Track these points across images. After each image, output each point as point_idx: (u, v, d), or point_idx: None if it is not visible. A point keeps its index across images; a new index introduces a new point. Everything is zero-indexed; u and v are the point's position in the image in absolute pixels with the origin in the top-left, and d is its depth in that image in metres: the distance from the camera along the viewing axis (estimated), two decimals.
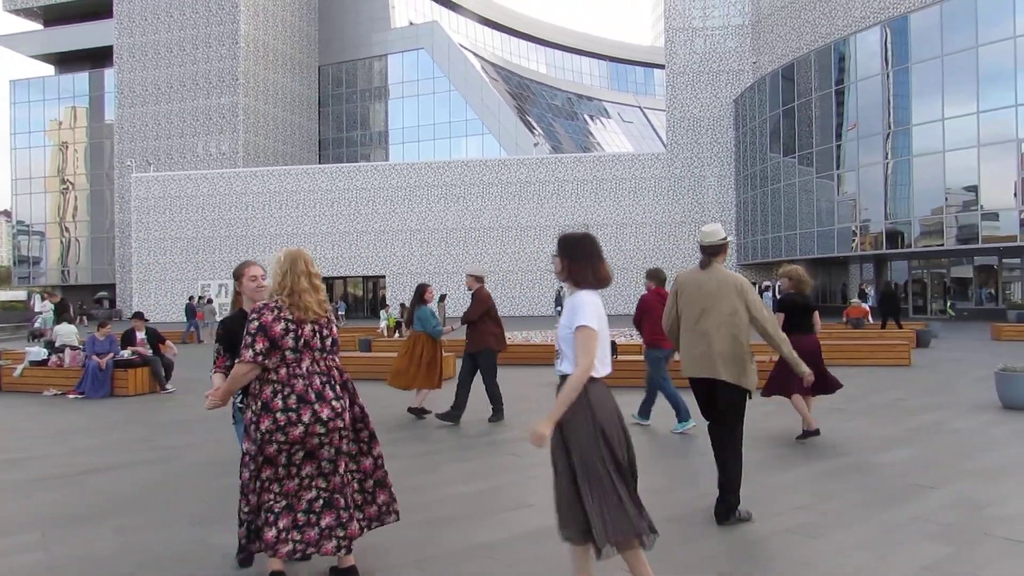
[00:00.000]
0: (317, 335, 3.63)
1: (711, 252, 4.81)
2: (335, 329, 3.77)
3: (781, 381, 7.00)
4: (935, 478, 5.52)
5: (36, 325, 24.49)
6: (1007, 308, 26.44)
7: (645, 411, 8.10)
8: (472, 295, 8.55)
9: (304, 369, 3.56)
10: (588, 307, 3.16)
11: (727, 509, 4.55)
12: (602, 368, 3.20)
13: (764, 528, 4.49)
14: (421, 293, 8.96)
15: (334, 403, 3.56)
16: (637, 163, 40.18)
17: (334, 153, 57.47)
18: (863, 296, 25.87)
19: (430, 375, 8.76)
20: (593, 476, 3.11)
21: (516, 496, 5.32)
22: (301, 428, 3.47)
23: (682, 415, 7.57)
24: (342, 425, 3.59)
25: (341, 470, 3.64)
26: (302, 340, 3.57)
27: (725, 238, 4.84)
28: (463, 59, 54.29)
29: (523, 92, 60.49)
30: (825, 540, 4.26)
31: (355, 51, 57.09)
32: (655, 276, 8.06)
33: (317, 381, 3.57)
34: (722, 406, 4.64)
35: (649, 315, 7.75)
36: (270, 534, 3.49)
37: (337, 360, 3.77)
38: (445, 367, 12.65)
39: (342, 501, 3.60)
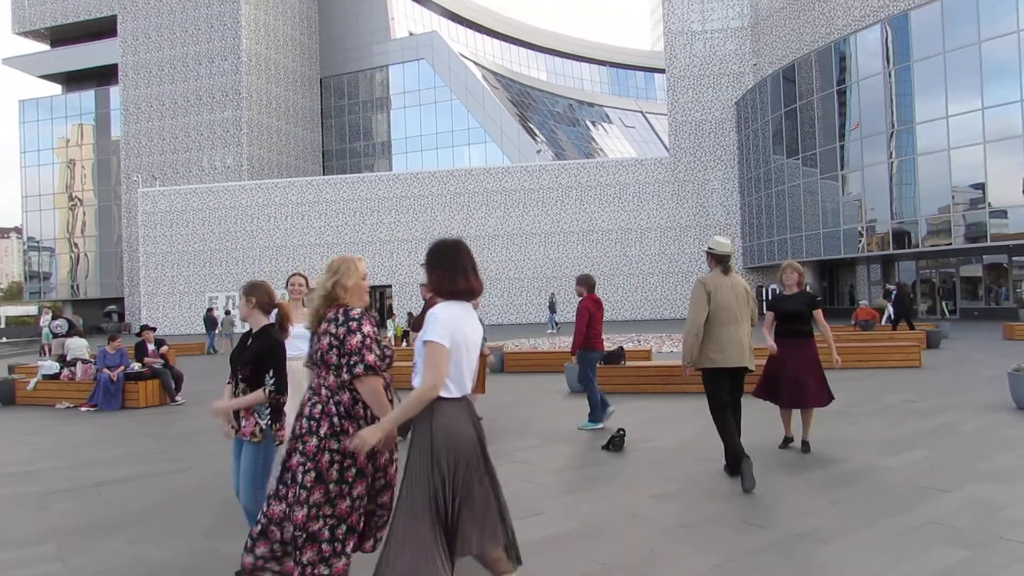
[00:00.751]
0: (314, 348, 3.39)
1: (727, 259, 5.84)
2: (324, 342, 3.28)
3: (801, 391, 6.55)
4: (948, 481, 5.49)
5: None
6: (1018, 307, 26.31)
7: (596, 416, 8.24)
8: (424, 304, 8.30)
9: (312, 381, 3.42)
10: (440, 322, 2.96)
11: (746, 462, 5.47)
12: (456, 388, 3.01)
13: (775, 533, 4.49)
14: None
15: (303, 421, 3.29)
16: (640, 168, 40.20)
17: (338, 164, 57.68)
18: (888, 295, 25.48)
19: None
20: (408, 504, 2.92)
21: (527, 504, 5.32)
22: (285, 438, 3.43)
23: (596, 416, 8.14)
24: (305, 450, 3.22)
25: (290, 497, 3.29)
26: (311, 351, 3.43)
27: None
28: (463, 68, 54.48)
29: (524, 99, 60.64)
30: (836, 545, 4.25)
31: (356, 63, 57.36)
32: (586, 282, 8.35)
33: (305, 395, 3.40)
34: (739, 386, 5.90)
35: (579, 319, 8.20)
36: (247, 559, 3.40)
37: (330, 380, 3.28)
38: None
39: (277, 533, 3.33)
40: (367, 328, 3.29)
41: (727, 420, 5.67)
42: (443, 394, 2.97)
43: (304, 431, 3.25)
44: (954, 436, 7.10)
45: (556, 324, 31.04)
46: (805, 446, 6.58)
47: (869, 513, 4.77)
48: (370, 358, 3.22)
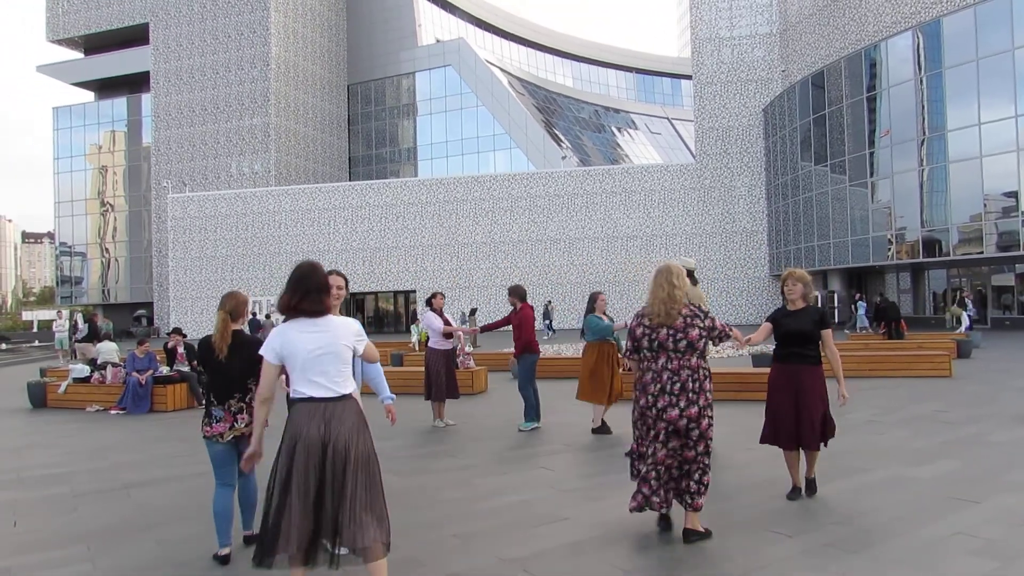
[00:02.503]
0: (671, 338, 4.40)
1: (692, 273, 6.78)
2: (693, 333, 4.39)
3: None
4: (977, 492, 5.41)
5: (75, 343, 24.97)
6: None
7: (533, 415, 8.84)
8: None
9: (658, 365, 4.44)
10: (269, 340, 3.51)
11: None
12: (306, 389, 3.44)
13: (802, 542, 4.44)
14: (593, 301, 8.53)
15: (665, 396, 4.37)
16: (666, 174, 40.02)
17: (364, 170, 58.13)
18: (963, 304, 24.72)
19: (599, 388, 8.34)
20: (271, 485, 3.42)
21: (550, 510, 5.32)
22: (636, 412, 4.59)
23: (531, 416, 8.77)
24: (667, 418, 4.35)
25: (666, 447, 4.40)
26: (656, 342, 4.43)
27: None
28: (490, 75, 54.68)
29: (550, 106, 60.67)
30: (865, 555, 4.20)
31: (383, 69, 57.81)
32: (518, 292, 8.99)
33: (664, 376, 4.39)
34: None
35: (526, 325, 8.81)
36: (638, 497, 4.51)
37: (692, 361, 4.40)
38: (476, 380, 12.73)
39: (652, 473, 4.44)
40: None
41: None
42: (293, 395, 3.53)
43: (664, 405, 4.37)
44: (984, 447, 6.98)
45: (552, 330, 32.07)
46: (810, 486, 5.48)
47: (897, 523, 4.70)
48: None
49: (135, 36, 54.10)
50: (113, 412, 11.63)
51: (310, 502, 3.32)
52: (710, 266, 38.41)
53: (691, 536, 4.46)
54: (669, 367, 4.38)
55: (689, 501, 4.44)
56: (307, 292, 3.47)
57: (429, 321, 9.26)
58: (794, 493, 5.42)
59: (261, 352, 3.51)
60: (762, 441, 5.51)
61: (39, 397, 12.69)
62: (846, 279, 35.20)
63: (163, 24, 52.03)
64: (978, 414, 8.80)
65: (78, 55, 58.88)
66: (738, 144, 39.23)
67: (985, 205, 26.30)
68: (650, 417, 4.43)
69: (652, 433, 4.43)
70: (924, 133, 28.14)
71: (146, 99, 54.03)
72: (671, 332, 4.39)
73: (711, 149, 39.37)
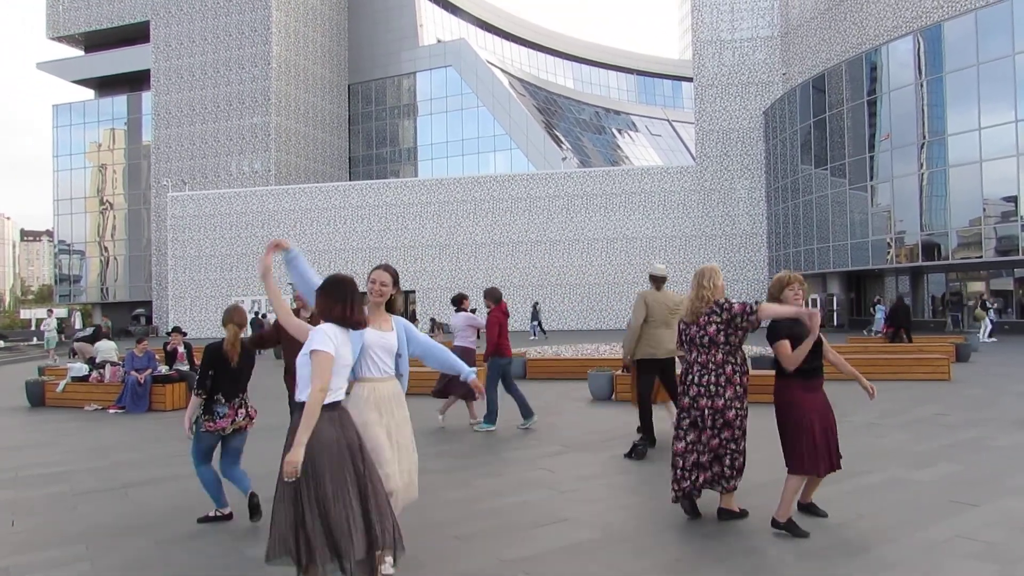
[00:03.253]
0: (697, 335, 4.86)
1: (663, 280, 7.34)
2: (711, 329, 4.75)
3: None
4: (977, 495, 5.41)
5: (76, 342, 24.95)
6: None
7: (526, 412, 8.87)
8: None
9: (691, 358, 4.92)
10: (320, 334, 3.38)
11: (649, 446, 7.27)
12: (330, 395, 3.38)
13: (803, 545, 4.44)
14: None
15: (694, 387, 4.82)
16: (666, 176, 40.03)
17: (364, 170, 58.12)
18: (983, 306, 24.45)
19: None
20: (287, 495, 3.27)
21: (550, 511, 5.32)
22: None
23: (492, 419, 8.83)
24: (698, 406, 4.78)
25: (703, 438, 4.81)
26: (689, 337, 4.94)
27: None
28: (491, 75, 54.69)
29: (551, 107, 60.68)
30: (865, 557, 4.19)
31: (384, 69, 57.82)
32: (493, 295, 9.12)
33: (695, 369, 4.86)
34: (671, 372, 7.31)
35: (490, 329, 8.92)
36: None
37: (718, 357, 4.76)
38: None
39: (680, 461, 4.90)
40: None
41: (650, 407, 7.31)
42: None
43: (694, 395, 4.81)
44: (984, 451, 6.97)
45: (543, 332, 32.33)
46: (812, 509, 4.99)
47: (898, 526, 4.70)
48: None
49: (136, 34, 54.05)
50: (112, 411, 11.61)
51: (357, 503, 3.33)
52: None
53: (724, 515, 4.91)
54: (699, 360, 4.85)
55: (724, 484, 4.84)
56: (353, 304, 3.54)
57: (459, 320, 9.40)
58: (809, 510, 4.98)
59: (318, 347, 3.32)
60: (805, 472, 4.63)
61: (37, 396, 12.67)
62: (845, 282, 35.21)
63: (164, 22, 52.01)
64: (978, 418, 8.80)
65: (78, 52, 58.82)
66: (738, 147, 39.23)
67: (984, 209, 26.33)
68: (684, 406, 4.89)
69: (688, 420, 4.84)
70: (924, 137, 28.17)
71: (146, 97, 53.99)
72: (697, 329, 4.85)
73: (711, 151, 39.38)
